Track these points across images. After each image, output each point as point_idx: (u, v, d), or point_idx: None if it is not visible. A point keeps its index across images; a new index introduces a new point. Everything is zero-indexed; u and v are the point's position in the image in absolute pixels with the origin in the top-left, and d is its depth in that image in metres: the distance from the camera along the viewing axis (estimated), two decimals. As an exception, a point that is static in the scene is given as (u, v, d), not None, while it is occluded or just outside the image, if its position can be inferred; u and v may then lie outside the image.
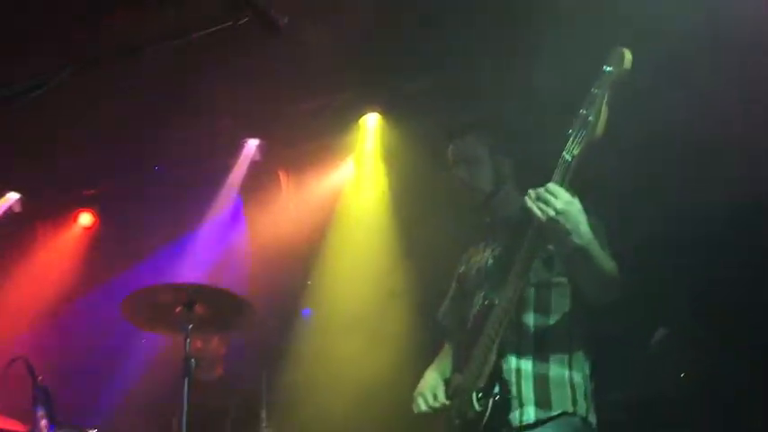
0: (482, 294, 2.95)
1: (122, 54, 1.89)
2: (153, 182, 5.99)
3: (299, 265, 5.52)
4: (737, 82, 3.95)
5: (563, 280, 2.91)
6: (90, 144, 5.48)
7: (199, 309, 3.68)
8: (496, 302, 2.79)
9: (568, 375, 2.86)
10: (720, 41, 3.82)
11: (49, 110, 4.36)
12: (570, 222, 2.54)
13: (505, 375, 2.81)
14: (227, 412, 4.56)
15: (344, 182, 5.72)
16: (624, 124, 2.54)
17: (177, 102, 5.08)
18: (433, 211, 4.80)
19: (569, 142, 2.56)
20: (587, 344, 2.94)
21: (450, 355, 3.23)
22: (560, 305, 2.91)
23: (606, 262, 2.69)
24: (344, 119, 5.43)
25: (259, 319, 4.08)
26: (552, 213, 2.53)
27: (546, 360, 2.86)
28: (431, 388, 3.05)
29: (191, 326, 3.63)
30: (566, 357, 2.88)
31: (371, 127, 5.47)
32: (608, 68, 2.54)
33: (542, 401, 2.81)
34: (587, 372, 2.92)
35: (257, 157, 5.77)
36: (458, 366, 3.02)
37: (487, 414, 2.76)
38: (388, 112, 5.39)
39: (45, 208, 6.41)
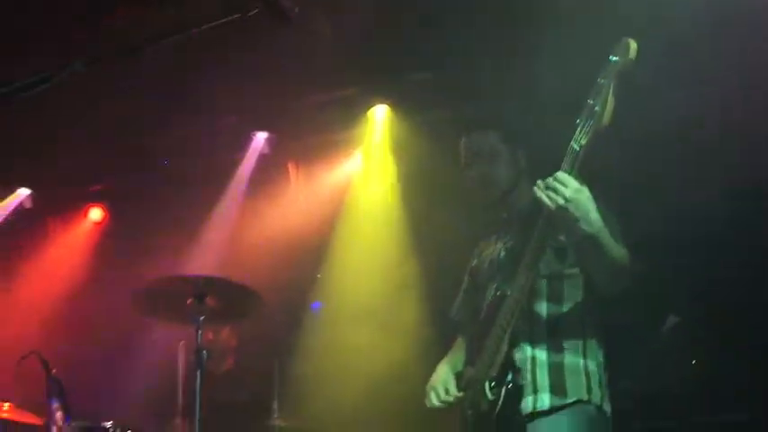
0: (494, 286, 2.95)
1: (122, 54, 1.88)
2: (162, 177, 6.00)
3: (309, 257, 5.52)
4: (737, 68, 3.93)
5: (575, 271, 2.90)
6: (96, 141, 5.50)
7: (210, 301, 3.70)
8: (508, 293, 2.79)
9: (583, 363, 2.85)
10: (720, 28, 3.81)
11: (51, 108, 4.36)
12: (580, 210, 2.53)
13: (519, 364, 2.80)
14: (237, 405, 4.58)
15: (353, 174, 5.72)
16: (625, 117, 2.53)
17: (178, 99, 5.09)
18: (442, 203, 4.80)
19: (577, 132, 2.55)
20: (600, 332, 2.94)
21: (463, 349, 3.23)
22: (573, 295, 2.90)
23: (617, 250, 2.67)
24: (353, 111, 5.42)
25: (269, 312, 4.10)
26: (561, 201, 2.52)
27: (560, 348, 2.85)
28: (443, 382, 3.06)
29: (202, 317, 3.64)
30: (580, 345, 2.87)
31: (380, 119, 5.46)
32: (614, 58, 2.53)
33: (558, 389, 2.80)
34: (601, 360, 2.91)
35: (266, 150, 5.78)
36: (470, 359, 3.02)
37: (500, 403, 2.76)
38: (397, 103, 5.38)
39: (56, 204, 6.44)
